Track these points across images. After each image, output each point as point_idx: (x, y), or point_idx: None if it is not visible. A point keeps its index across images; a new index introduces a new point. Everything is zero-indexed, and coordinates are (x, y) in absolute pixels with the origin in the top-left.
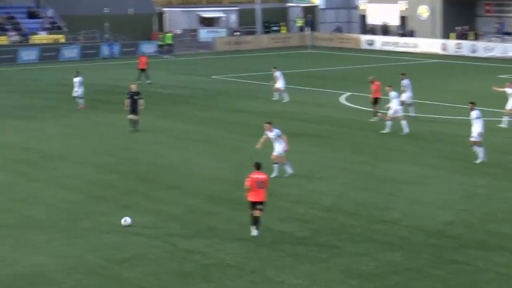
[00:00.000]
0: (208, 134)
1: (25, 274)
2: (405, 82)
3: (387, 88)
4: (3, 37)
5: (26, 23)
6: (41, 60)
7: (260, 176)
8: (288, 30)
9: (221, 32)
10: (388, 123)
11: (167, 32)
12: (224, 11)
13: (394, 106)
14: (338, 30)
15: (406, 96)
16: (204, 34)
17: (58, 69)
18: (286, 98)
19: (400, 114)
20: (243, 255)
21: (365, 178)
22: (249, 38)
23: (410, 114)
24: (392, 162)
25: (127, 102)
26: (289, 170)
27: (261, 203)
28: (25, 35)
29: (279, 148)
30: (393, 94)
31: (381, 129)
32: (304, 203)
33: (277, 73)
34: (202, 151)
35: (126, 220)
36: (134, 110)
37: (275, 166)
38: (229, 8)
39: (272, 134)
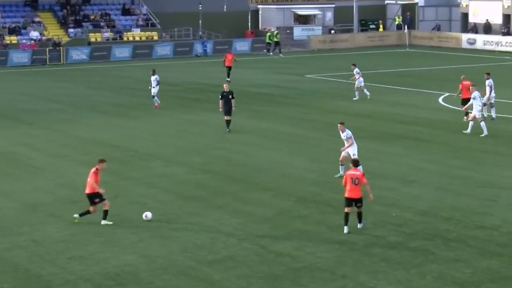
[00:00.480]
0: (299, 134)
1: (115, 273)
2: (489, 82)
3: (471, 88)
4: (97, 34)
5: (120, 20)
6: (133, 58)
7: (356, 172)
8: (386, 29)
9: (317, 30)
10: (471, 123)
11: (273, 30)
12: (320, 9)
13: (476, 106)
14: (437, 28)
15: (488, 96)
16: (299, 32)
17: (151, 67)
18: (368, 94)
19: (479, 115)
20: (334, 259)
21: (462, 182)
22: (345, 36)
23: (492, 115)
24: (490, 166)
25: (221, 102)
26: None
27: (357, 200)
28: (118, 32)
29: (352, 149)
30: (475, 94)
31: (476, 131)
32: (398, 206)
33: (356, 70)
34: (293, 152)
35: (146, 216)
36: (228, 110)
37: (341, 167)
38: (325, 6)
39: (343, 135)
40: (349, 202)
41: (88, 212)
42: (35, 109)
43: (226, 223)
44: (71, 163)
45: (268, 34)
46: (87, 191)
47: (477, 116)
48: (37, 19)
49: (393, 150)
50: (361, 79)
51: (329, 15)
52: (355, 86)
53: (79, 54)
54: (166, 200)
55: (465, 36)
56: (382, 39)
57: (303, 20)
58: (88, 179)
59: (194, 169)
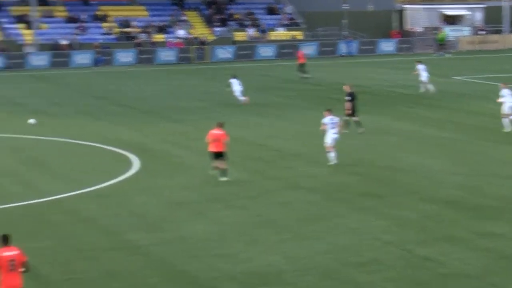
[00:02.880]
0: (444, 137)
1: (258, 272)
2: None
3: (501, 85)
4: (242, 33)
5: (265, 20)
6: (278, 57)
7: None
8: None
9: (465, 31)
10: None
11: (443, 32)
12: (469, 9)
13: (508, 103)
14: None
15: None
16: (447, 32)
17: (295, 66)
18: (432, 89)
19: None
20: (483, 267)
21: None
22: (495, 37)
23: None
24: None
25: (348, 105)
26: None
27: None
28: (263, 31)
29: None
30: (504, 91)
31: None
32: None
33: (419, 66)
34: (438, 155)
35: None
36: (354, 111)
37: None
38: (474, 6)
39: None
40: None
41: (217, 167)
42: (182, 107)
43: (371, 225)
44: None
45: (440, 34)
46: (220, 149)
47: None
48: (183, 18)
49: None
50: (426, 74)
51: (479, 15)
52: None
53: (224, 52)
54: (310, 200)
55: None
56: None
57: (451, 20)
58: (222, 139)
59: (339, 170)
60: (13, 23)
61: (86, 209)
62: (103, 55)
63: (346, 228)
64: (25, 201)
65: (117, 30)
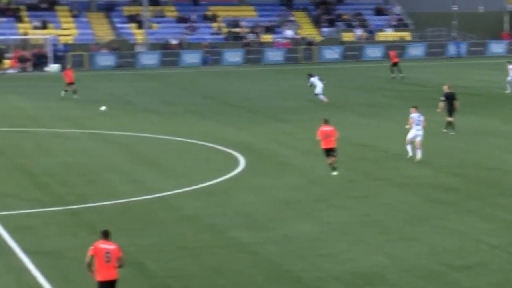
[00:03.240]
0: None
1: (362, 273)
2: None
3: None
4: (350, 33)
5: (373, 20)
6: (385, 58)
7: None
8: None
9: None
10: None
11: None
12: None
13: None
14: None
15: None
16: None
17: (404, 67)
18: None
19: None
20: None
21: None
22: None
23: None
24: None
25: (441, 104)
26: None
27: None
28: (371, 32)
29: None
30: None
31: None
32: None
33: (510, 66)
34: None
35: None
36: (450, 111)
37: None
38: None
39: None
40: None
41: (331, 164)
42: (288, 107)
43: (476, 228)
44: (323, 161)
45: None
46: (332, 145)
47: None
48: (291, 18)
49: None
50: None
51: None
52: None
53: (332, 53)
54: (414, 201)
55: None
56: None
57: None
58: (333, 135)
59: (443, 171)
60: (125, 22)
61: (192, 207)
62: (211, 55)
63: (450, 230)
64: (133, 198)
65: (226, 30)
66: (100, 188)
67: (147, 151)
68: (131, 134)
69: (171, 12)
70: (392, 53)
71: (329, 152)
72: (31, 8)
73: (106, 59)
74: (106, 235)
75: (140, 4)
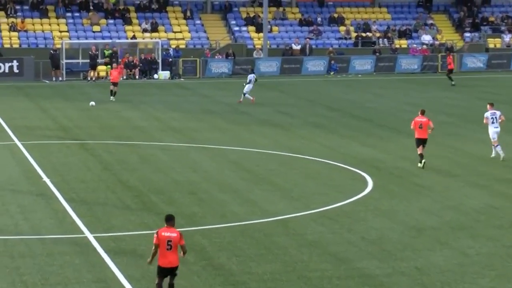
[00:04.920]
0: None
1: None
2: None
3: None
4: (497, 39)
5: None
6: None
7: None
8: None
9: None
10: None
11: None
12: None
13: None
14: None
15: None
16: None
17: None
18: None
19: None
20: None
21: None
22: None
23: None
24: None
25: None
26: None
27: None
28: None
29: None
30: None
31: None
32: None
33: None
34: None
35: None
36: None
37: None
38: None
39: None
40: None
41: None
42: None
43: None
44: (461, 184)
45: None
46: (425, 136)
47: None
48: (429, 22)
49: None
50: None
51: None
52: None
53: (475, 61)
54: None
55: None
56: None
57: None
58: (427, 125)
59: None
60: (242, 25)
61: (314, 232)
62: (337, 62)
63: None
64: (247, 221)
65: (354, 34)
66: (210, 208)
67: (261, 168)
68: (243, 149)
69: (293, 14)
70: (449, 58)
71: (421, 142)
72: (140, 9)
73: (220, 66)
74: (169, 220)
75: (260, 5)
